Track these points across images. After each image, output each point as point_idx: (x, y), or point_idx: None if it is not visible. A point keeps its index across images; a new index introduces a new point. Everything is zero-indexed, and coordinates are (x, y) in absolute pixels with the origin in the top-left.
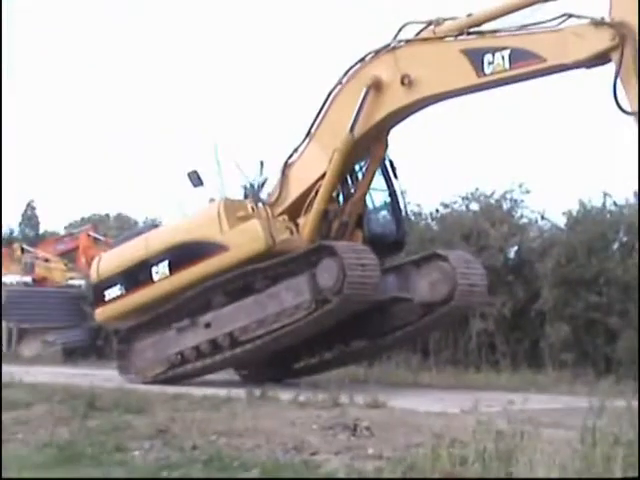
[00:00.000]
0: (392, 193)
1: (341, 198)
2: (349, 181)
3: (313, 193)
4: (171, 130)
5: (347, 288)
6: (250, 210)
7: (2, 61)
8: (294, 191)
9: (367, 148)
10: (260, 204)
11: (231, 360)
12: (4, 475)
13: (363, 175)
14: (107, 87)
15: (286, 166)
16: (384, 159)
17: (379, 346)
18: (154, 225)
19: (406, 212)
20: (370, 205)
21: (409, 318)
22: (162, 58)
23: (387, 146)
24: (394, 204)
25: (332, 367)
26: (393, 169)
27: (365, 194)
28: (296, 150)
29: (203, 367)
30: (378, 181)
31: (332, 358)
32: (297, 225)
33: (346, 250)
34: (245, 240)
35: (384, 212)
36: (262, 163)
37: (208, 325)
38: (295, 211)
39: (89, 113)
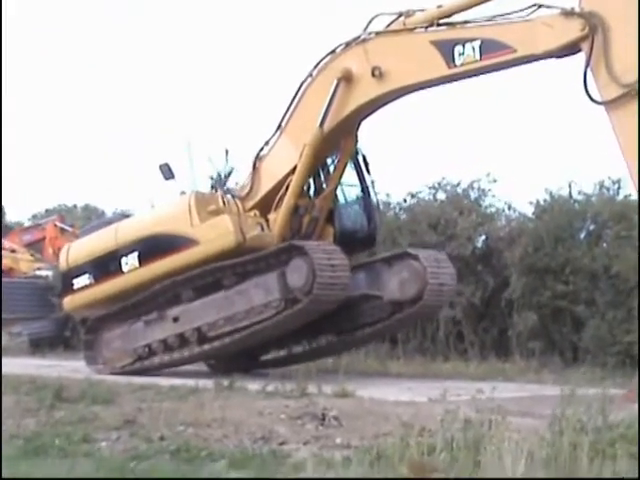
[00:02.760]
0: (364, 188)
1: (312, 193)
2: (321, 175)
3: (284, 188)
4: (141, 120)
5: (317, 289)
6: (221, 204)
7: None
8: (265, 185)
9: (338, 142)
10: (231, 197)
11: (199, 355)
12: (4, 475)
13: (334, 169)
14: (74, 75)
15: (257, 159)
16: (357, 153)
17: (347, 342)
18: (124, 215)
19: (378, 206)
20: (342, 200)
21: (378, 315)
22: (133, 51)
23: (357, 140)
24: (366, 199)
25: (300, 361)
26: (366, 164)
27: (335, 189)
28: (267, 143)
29: (171, 360)
30: (351, 176)
31: (300, 352)
32: (268, 221)
33: (316, 250)
34: (215, 235)
35: (356, 207)
36: (227, 151)
37: (176, 319)
38: (266, 206)
39: (55, 101)
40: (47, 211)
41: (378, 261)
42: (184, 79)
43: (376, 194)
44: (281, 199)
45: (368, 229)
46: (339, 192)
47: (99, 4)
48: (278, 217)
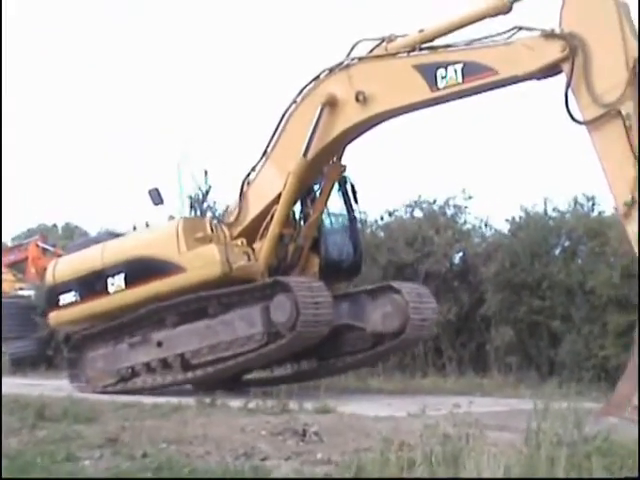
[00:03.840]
0: (351, 217)
1: (299, 220)
2: (307, 203)
3: (269, 216)
4: (124, 137)
5: (300, 326)
6: (209, 230)
7: None
8: (252, 212)
9: (322, 169)
10: (218, 223)
11: (181, 381)
12: (4, 475)
13: (319, 196)
14: (56, 90)
15: (244, 185)
16: (345, 182)
17: (328, 368)
18: (111, 234)
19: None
20: (328, 228)
21: (360, 346)
22: (124, 69)
23: (345, 169)
24: (352, 228)
25: (282, 382)
26: (354, 193)
27: (319, 217)
28: (254, 169)
29: (153, 384)
30: (338, 204)
31: (282, 374)
32: (254, 250)
33: (301, 288)
34: (202, 264)
35: (342, 236)
36: (206, 172)
37: (160, 344)
38: (253, 232)
39: (34, 116)
40: (29, 230)
41: (362, 293)
42: (171, 97)
43: (362, 222)
44: (266, 228)
45: (354, 258)
46: (325, 220)
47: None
48: (264, 246)
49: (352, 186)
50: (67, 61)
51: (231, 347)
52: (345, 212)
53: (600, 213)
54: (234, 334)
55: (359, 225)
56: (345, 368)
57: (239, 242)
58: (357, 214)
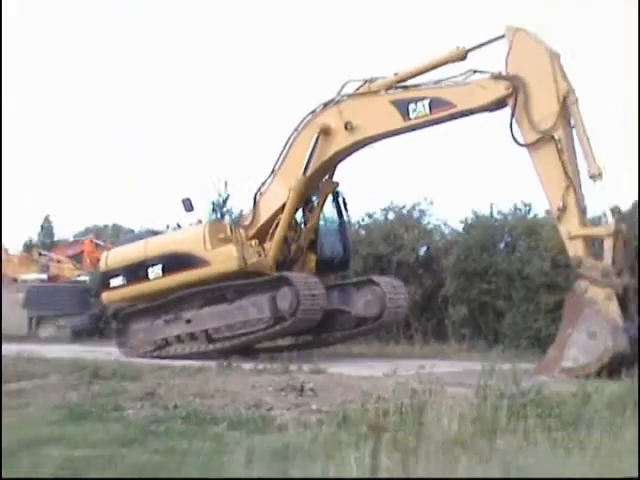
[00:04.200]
0: (342, 223)
1: (300, 225)
2: (306, 211)
3: (276, 222)
4: (164, 154)
5: (300, 313)
6: (229, 232)
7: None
8: (263, 218)
9: (318, 184)
10: (235, 227)
11: (204, 351)
12: (4, 475)
13: (316, 206)
14: (110, 113)
15: (257, 196)
16: (338, 196)
17: (321, 341)
18: (152, 232)
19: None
20: (323, 232)
21: (347, 325)
22: (161, 81)
23: (338, 185)
24: (343, 232)
25: (284, 350)
26: (345, 204)
27: (316, 223)
28: (264, 183)
29: (182, 352)
30: (332, 212)
31: (285, 345)
32: (264, 249)
33: (301, 282)
34: (223, 259)
35: (334, 238)
36: (226, 183)
37: (189, 321)
38: (264, 234)
39: (92, 138)
40: (86, 229)
41: (349, 284)
42: (199, 125)
43: (351, 226)
44: (274, 231)
45: (343, 256)
46: (321, 225)
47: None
48: (272, 246)
49: (343, 199)
50: (106, 70)
51: (244, 326)
52: (337, 219)
53: (535, 216)
54: (247, 316)
55: (347, 229)
56: (334, 342)
57: (253, 242)
58: (346, 221)
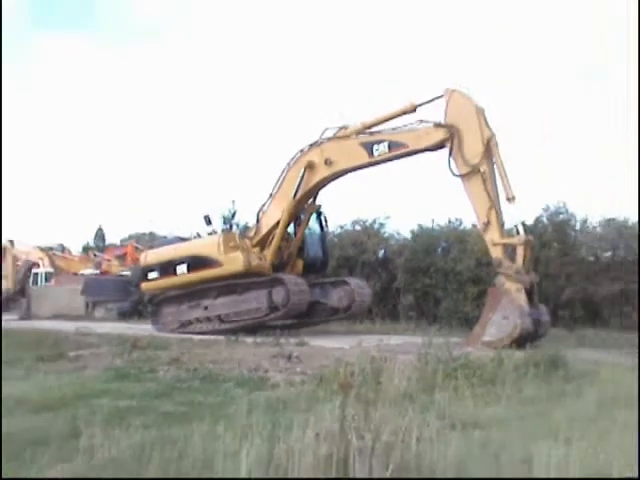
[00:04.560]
0: (323, 235)
1: (291, 236)
2: (296, 226)
3: (272, 235)
4: (189, 177)
5: (290, 306)
6: (237, 241)
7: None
8: (263, 231)
9: (304, 205)
10: (242, 237)
11: (217, 330)
12: (4, 475)
13: (303, 221)
14: (151, 145)
15: (259, 214)
16: (320, 214)
17: (304, 324)
18: (180, 238)
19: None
20: (308, 242)
21: (324, 314)
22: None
23: (320, 206)
24: (323, 242)
25: (277, 330)
26: (325, 221)
27: (302, 236)
28: (264, 205)
29: (201, 330)
30: (316, 226)
31: (278, 325)
32: (264, 255)
33: (291, 282)
34: (232, 262)
35: (317, 247)
36: (233, 201)
37: (206, 308)
38: (264, 243)
39: (134, 167)
40: (130, 236)
41: (327, 282)
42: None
43: (328, 235)
44: (271, 241)
45: (323, 260)
46: (308, 237)
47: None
48: (269, 253)
49: (324, 217)
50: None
51: (248, 313)
52: (319, 232)
53: (464, 228)
54: (250, 306)
55: (327, 240)
56: (314, 325)
57: (256, 250)
58: (326, 233)
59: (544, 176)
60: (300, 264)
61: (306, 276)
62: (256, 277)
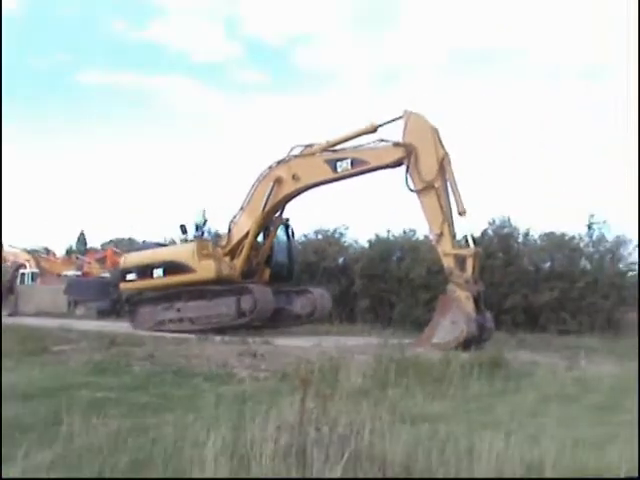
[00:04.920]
0: (289, 246)
1: (260, 246)
2: (264, 237)
3: (242, 245)
4: (166, 188)
5: (256, 313)
6: (210, 250)
7: None
8: (234, 240)
9: (272, 217)
10: (215, 245)
11: (188, 330)
12: (4, 475)
13: (271, 232)
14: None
15: (231, 225)
16: (288, 227)
17: (269, 328)
18: (158, 244)
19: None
20: (276, 251)
21: (289, 319)
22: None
23: (288, 219)
24: (290, 253)
25: (243, 329)
26: (292, 233)
27: (270, 246)
28: (235, 216)
29: (173, 329)
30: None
31: (244, 325)
32: (234, 263)
33: (258, 291)
34: (205, 269)
35: (283, 256)
36: (204, 210)
37: (179, 309)
38: (235, 252)
39: (115, 177)
40: (110, 241)
41: (292, 291)
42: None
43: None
44: (241, 251)
45: (289, 269)
46: (276, 247)
47: None
48: (239, 262)
49: (292, 229)
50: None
51: (217, 317)
52: (286, 242)
53: (417, 238)
54: (219, 311)
55: (294, 251)
56: (279, 328)
57: (227, 259)
58: (292, 244)
59: (491, 192)
60: (267, 273)
61: (273, 284)
62: (226, 284)
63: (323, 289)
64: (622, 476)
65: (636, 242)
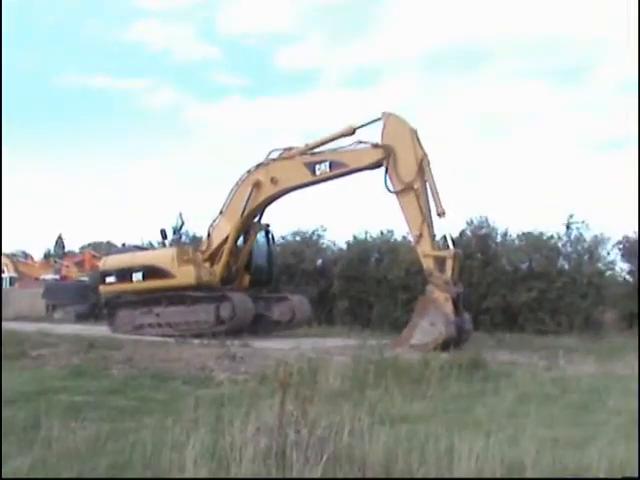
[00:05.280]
0: (269, 252)
1: (239, 252)
2: (244, 242)
3: (221, 250)
4: (144, 190)
5: (235, 320)
6: (190, 255)
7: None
8: (214, 244)
9: (251, 222)
10: (194, 250)
11: (166, 334)
12: (4, 476)
13: (250, 237)
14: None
15: (210, 229)
16: (268, 232)
17: (250, 332)
18: (138, 247)
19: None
20: (256, 257)
21: (267, 325)
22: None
23: (269, 225)
24: (270, 257)
25: (221, 333)
26: (273, 238)
27: (249, 251)
28: (214, 220)
29: (152, 333)
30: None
31: (222, 330)
32: (214, 269)
33: (237, 300)
34: (185, 275)
35: (263, 261)
36: (181, 214)
37: (157, 314)
38: (214, 257)
39: (94, 181)
40: (89, 244)
41: (272, 297)
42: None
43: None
44: (221, 256)
45: (269, 275)
46: (256, 252)
47: None
48: (219, 267)
49: (272, 235)
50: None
51: (196, 324)
52: (266, 248)
53: (395, 239)
54: (198, 318)
55: (274, 256)
56: (257, 333)
57: (207, 264)
58: (273, 251)
59: (469, 192)
60: (247, 278)
61: (252, 289)
62: (206, 290)
63: (302, 296)
64: (602, 476)
65: (614, 241)
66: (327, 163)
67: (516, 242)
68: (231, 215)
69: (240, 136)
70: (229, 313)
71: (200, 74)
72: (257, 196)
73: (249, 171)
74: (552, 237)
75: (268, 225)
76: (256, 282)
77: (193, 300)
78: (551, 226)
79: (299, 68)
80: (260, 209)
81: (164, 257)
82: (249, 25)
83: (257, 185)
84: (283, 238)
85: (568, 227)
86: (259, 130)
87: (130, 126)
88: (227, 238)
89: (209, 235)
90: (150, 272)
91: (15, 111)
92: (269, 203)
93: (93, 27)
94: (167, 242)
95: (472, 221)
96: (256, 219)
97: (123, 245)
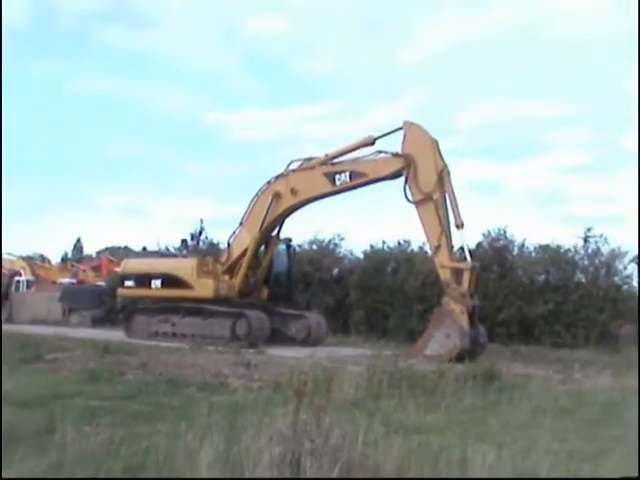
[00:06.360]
0: (290, 266)
1: (258, 265)
2: (263, 255)
3: (240, 262)
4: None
5: (251, 337)
6: (210, 267)
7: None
8: (234, 256)
9: (271, 234)
10: (214, 262)
11: (183, 343)
12: (4, 475)
13: (269, 250)
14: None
15: (231, 240)
16: (290, 247)
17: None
18: (161, 254)
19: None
20: (276, 272)
21: (283, 340)
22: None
23: (291, 240)
24: (289, 272)
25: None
26: (294, 252)
27: (268, 265)
28: (235, 232)
29: (167, 341)
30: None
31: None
32: (232, 283)
33: (254, 318)
34: (203, 287)
35: (282, 276)
36: (202, 220)
37: (174, 324)
38: (233, 269)
39: (112, 188)
40: (106, 249)
41: (289, 314)
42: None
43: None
44: (240, 268)
45: (288, 289)
46: (274, 267)
47: None
48: (238, 280)
49: (294, 249)
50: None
51: (211, 337)
52: (287, 263)
53: (412, 250)
54: (213, 332)
55: (293, 271)
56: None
57: (226, 277)
58: (293, 265)
59: (487, 203)
60: (265, 292)
61: (270, 302)
62: (223, 304)
63: (320, 314)
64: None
65: (631, 255)
66: (347, 173)
67: (533, 254)
68: (251, 226)
69: (259, 144)
70: (245, 330)
71: (219, 81)
72: (277, 207)
73: (269, 182)
74: (569, 250)
75: (290, 240)
76: (274, 296)
77: (210, 313)
78: (569, 239)
79: (319, 76)
80: (280, 220)
81: (184, 267)
82: (269, 32)
83: (277, 196)
84: (300, 246)
85: (586, 240)
86: (278, 137)
87: (148, 132)
88: (246, 250)
89: (229, 245)
90: (169, 280)
91: (33, 114)
92: (289, 214)
93: (112, 32)
94: (186, 252)
95: (489, 233)
96: (275, 231)
97: (144, 249)
